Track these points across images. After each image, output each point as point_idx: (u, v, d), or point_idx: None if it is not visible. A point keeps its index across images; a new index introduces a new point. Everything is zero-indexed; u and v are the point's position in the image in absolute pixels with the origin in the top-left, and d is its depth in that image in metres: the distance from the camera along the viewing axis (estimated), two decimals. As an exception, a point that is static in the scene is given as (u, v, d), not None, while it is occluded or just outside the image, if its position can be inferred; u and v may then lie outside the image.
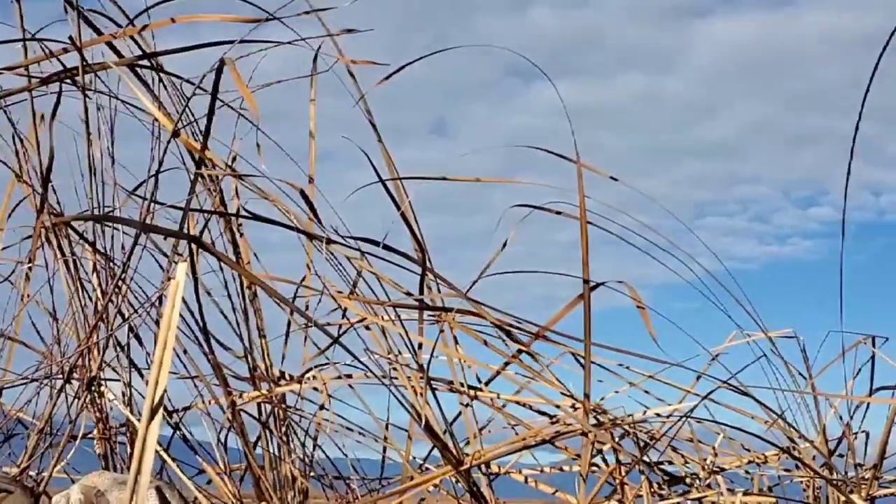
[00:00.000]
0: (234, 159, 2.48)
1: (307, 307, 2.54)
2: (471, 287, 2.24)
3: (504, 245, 2.29)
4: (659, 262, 2.20)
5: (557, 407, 2.34)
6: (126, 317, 2.41)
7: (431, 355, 2.09)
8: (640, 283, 2.16)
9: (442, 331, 2.28)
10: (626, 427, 2.27)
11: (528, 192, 2.36)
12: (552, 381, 2.25)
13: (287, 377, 2.49)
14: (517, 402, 2.34)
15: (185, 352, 2.39)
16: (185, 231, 2.17)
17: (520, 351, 2.28)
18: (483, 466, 2.30)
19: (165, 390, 1.29)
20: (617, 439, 2.29)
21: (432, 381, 2.25)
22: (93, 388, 2.36)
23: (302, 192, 2.11)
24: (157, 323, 2.45)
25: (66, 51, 2.21)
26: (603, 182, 2.20)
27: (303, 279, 2.49)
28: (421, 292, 2.21)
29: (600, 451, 2.34)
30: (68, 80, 2.24)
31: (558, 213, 2.20)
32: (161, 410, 2.49)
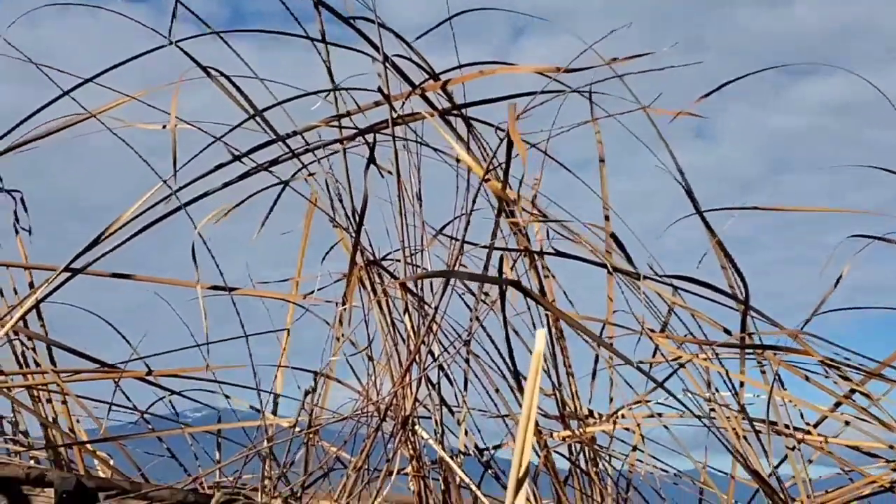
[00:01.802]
0: (534, 197, 2.47)
1: (611, 345, 2.49)
2: (803, 326, 2.11)
3: (839, 280, 2.14)
4: None
5: (893, 449, 2.16)
6: (436, 356, 2.44)
7: (770, 397, 1.98)
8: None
9: (763, 371, 2.16)
10: (979, 475, 2.05)
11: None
12: (890, 423, 2.08)
13: (596, 416, 2.45)
14: (850, 446, 2.18)
15: (496, 390, 2.40)
16: (496, 273, 2.18)
17: (852, 391, 2.12)
18: (813, 514, 2.15)
19: (528, 465, 1.26)
20: (968, 488, 2.08)
21: (754, 422, 2.14)
22: (407, 426, 2.40)
23: (613, 235, 2.06)
24: (467, 360, 2.47)
25: (377, 104, 2.28)
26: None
27: (607, 317, 2.44)
28: (743, 329, 2.10)
29: (948, 500, 2.13)
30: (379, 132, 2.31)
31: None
32: (472, 449, 2.51)
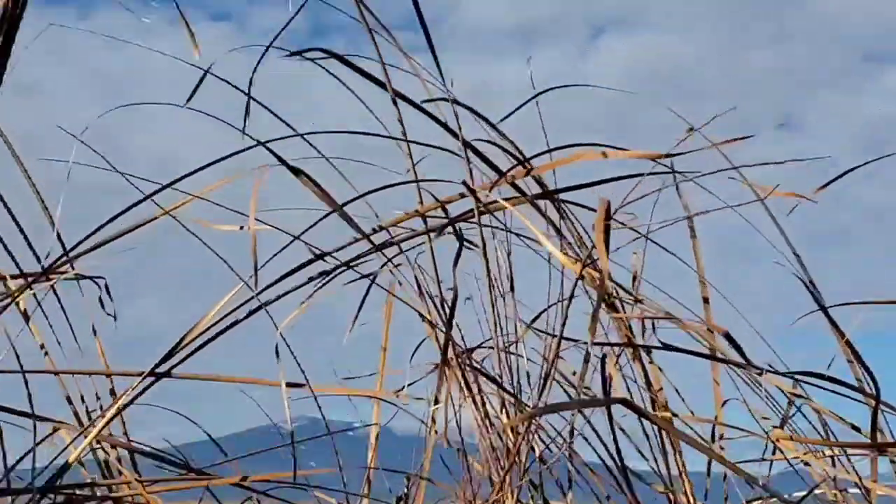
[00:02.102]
0: (635, 281, 2.33)
1: (720, 437, 2.34)
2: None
3: None
4: None
5: None
6: (537, 454, 2.31)
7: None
8: None
9: (899, 471, 1.99)
10: None
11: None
12: None
13: (712, 514, 2.29)
14: None
15: (608, 497, 2.26)
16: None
17: None
18: None
19: None
20: None
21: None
22: (509, 532, 2.27)
23: (727, 335, 1.90)
24: (570, 458, 2.34)
25: (462, 195, 2.16)
26: None
27: (717, 414, 2.29)
28: (873, 428, 1.93)
29: None
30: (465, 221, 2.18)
31: None
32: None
